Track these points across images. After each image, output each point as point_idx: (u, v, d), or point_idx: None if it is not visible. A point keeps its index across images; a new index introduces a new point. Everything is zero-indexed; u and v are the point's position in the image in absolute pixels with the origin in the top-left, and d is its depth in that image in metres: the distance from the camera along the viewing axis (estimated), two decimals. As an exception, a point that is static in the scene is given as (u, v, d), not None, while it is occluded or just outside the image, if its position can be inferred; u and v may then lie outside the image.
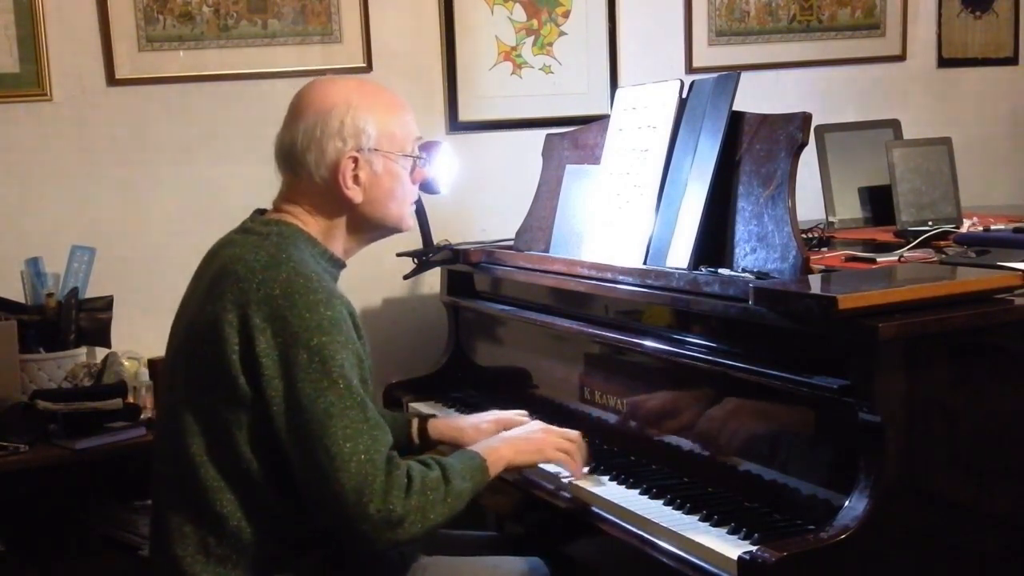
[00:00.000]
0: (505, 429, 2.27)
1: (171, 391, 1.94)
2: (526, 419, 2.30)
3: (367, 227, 2.05)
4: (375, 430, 1.84)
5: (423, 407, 2.78)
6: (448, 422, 2.37)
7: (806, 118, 2.11)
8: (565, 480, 2.15)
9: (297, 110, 2.00)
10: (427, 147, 2.82)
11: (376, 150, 1.99)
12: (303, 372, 1.81)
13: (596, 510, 2.05)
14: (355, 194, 1.99)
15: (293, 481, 1.86)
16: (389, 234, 2.12)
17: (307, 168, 1.97)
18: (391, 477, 1.82)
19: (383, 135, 1.99)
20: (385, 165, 2.00)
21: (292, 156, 1.98)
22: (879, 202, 2.90)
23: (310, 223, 2.00)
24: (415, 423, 2.31)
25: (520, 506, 2.34)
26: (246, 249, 1.91)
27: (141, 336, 3.01)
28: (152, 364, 2.89)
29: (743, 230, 2.15)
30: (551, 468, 2.18)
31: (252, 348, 1.82)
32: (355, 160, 1.97)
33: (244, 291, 1.84)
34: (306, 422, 1.81)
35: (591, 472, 2.17)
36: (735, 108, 2.23)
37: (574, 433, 2.18)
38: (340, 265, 2.05)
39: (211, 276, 1.92)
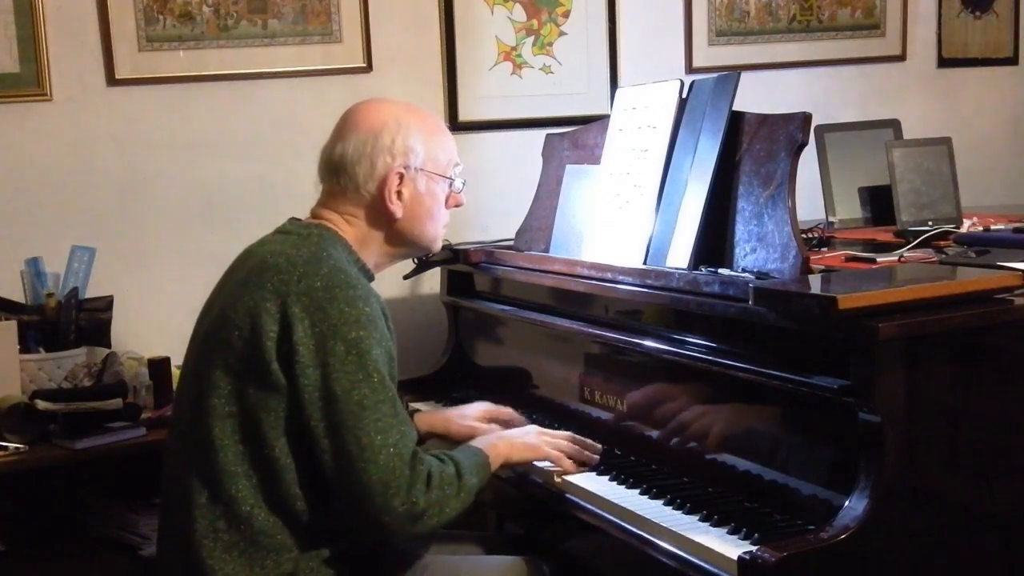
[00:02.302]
0: (491, 420, 2.35)
1: (196, 379, 1.96)
2: (512, 412, 2.38)
3: (400, 242, 2.12)
4: (404, 425, 1.91)
5: (423, 407, 2.77)
6: (436, 414, 2.43)
7: (806, 118, 2.11)
8: (557, 480, 2.17)
9: (349, 125, 2.08)
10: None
11: (421, 169, 2.08)
12: (339, 363, 1.86)
13: (596, 509, 2.05)
14: (397, 209, 2.06)
15: (313, 472, 1.89)
16: (419, 253, 2.24)
17: (355, 180, 2.05)
18: (415, 472, 1.88)
19: (429, 156, 2.09)
20: (427, 185, 2.09)
21: (341, 167, 2.06)
22: (879, 202, 2.90)
23: (348, 232, 2.07)
24: None
25: (521, 505, 2.34)
26: (287, 246, 1.98)
27: (141, 336, 3.02)
28: (152, 364, 2.89)
29: (743, 230, 2.15)
30: (544, 465, 2.20)
31: (289, 336, 1.86)
32: (401, 176, 2.06)
33: (285, 282, 1.90)
34: (339, 412, 1.85)
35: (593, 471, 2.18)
36: (735, 108, 2.23)
37: (566, 434, 2.24)
38: (370, 278, 2.09)
39: (248, 270, 1.97)
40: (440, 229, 2.16)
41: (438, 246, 2.19)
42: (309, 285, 1.89)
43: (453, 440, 2.32)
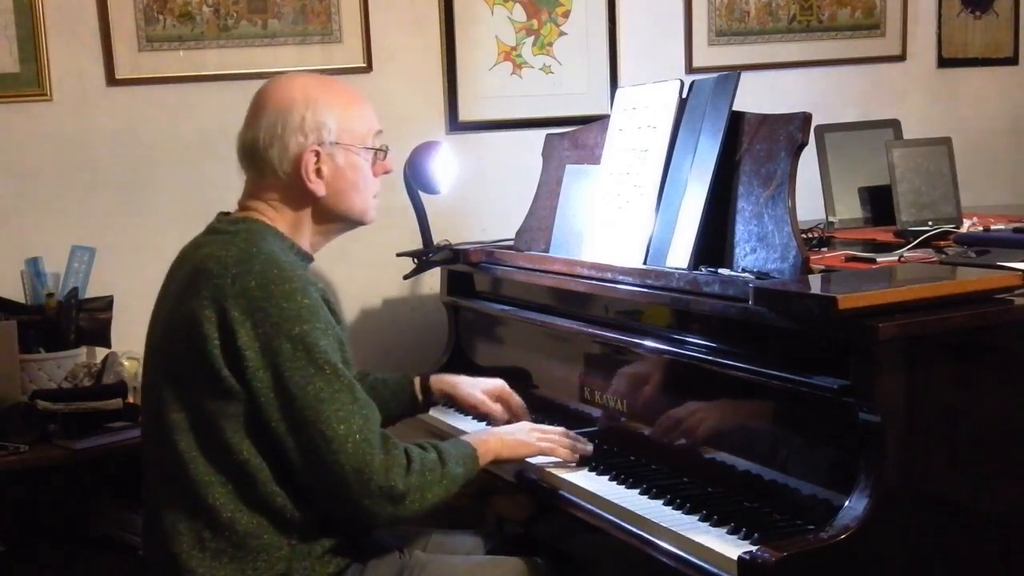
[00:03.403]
0: (500, 399, 2.38)
1: (153, 392, 1.96)
2: (521, 406, 2.40)
3: (332, 219, 2.09)
4: (365, 409, 1.89)
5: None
6: (447, 378, 2.44)
7: (806, 118, 2.11)
8: (554, 470, 2.18)
9: (258, 108, 2.04)
10: (425, 147, 2.84)
11: (337, 143, 2.03)
12: (288, 361, 1.84)
13: (596, 509, 2.05)
14: (318, 187, 2.02)
15: (285, 470, 1.88)
16: (354, 226, 2.15)
17: (270, 164, 2.02)
18: (390, 456, 1.88)
19: (343, 129, 2.03)
20: (347, 158, 2.04)
21: (255, 153, 2.03)
22: (879, 202, 2.90)
23: (276, 219, 2.04)
24: (417, 381, 2.40)
25: (520, 505, 2.34)
26: (216, 247, 1.94)
27: (141, 336, 2.98)
28: (152, 364, 2.89)
29: (743, 230, 2.15)
30: (539, 460, 2.22)
31: (233, 341, 1.84)
32: (317, 154, 2.01)
33: (219, 287, 1.87)
34: (299, 410, 1.84)
35: (589, 470, 2.19)
36: (735, 108, 2.23)
37: (558, 428, 2.26)
38: (308, 259, 2.08)
39: (183, 277, 1.95)
40: (370, 199, 2.10)
41: (371, 217, 2.13)
42: (244, 286, 1.86)
43: (456, 404, 2.41)
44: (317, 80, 2.08)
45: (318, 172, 2.02)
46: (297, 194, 2.03)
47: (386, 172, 2.14)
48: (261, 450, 1.88)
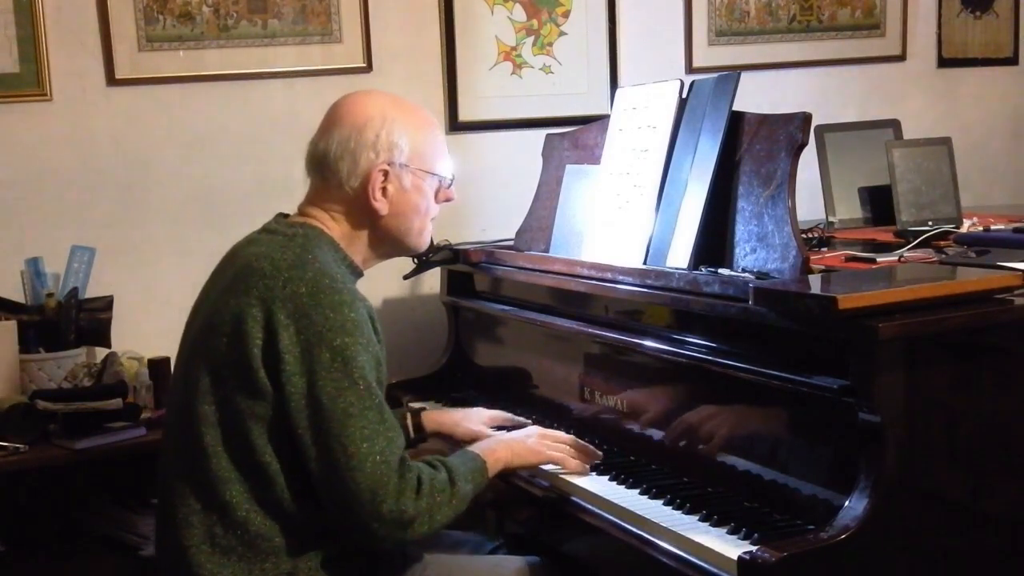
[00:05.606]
0: (496, 425, 2.33)
1: (185, 384, 1.96)
2: (517, 418, 2.36)
3: (387, 240, 2.09)
4: (391, 432, 1.89)
5: (423, 407, 2.77)
6: (441, 415, 2.42)
7: (806, 118, 2.11)
8: (562, 476, 2.16)
9: (334, 119, 2.04)
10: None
11: (406, 166, 2.03)
12: (325, 371, 1.84)
13: (596, 509, 2.05)
14: (382, 206, 2.03)
15: (304, 476, 1.88)
16: (405, 252, 2.18)
17: (338, 176, 2.01)
18: (404, 479, 1.87)
19: (415, 152, 2.04)
20: (413, 181, 2.05)
21: (325, 163, 2.02)
22: (879, 202, 2.90)
23: (334, 229, 2.04)
24: (409, 417, 2.36)
25: (520, 505, 2.34)
26: (272, 248, 1.95)
27: (141, 336, 3.02)
28: (152, 364, 2.89)
29: (743, 230, 2.15)
30: (548, 467, 2.19)
31: (275, 343, 1.85)
32: (385, 173, 2.02)
33: (270, 287, 1.87)
34: (325, 420, 1.84)
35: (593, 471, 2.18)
36: (735, 108, 2.23)
37: (567, 436, 2.23)
38: (358, 274, 2.08)
39: (234, 272, 1.95)
40: (428, 225, 2.12)
41: (425, 243, 2.15)
42: (294, 291, 1.87)
43: (458, 442, 2.31)
44: (395, 100, 2.08)
45: (384, 191, 2.02)
46: (359, 210, 2.03)
47: (448, 200, 2.14)
48: (284, 455, 1.88)
